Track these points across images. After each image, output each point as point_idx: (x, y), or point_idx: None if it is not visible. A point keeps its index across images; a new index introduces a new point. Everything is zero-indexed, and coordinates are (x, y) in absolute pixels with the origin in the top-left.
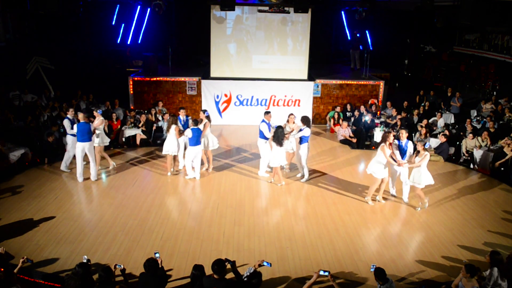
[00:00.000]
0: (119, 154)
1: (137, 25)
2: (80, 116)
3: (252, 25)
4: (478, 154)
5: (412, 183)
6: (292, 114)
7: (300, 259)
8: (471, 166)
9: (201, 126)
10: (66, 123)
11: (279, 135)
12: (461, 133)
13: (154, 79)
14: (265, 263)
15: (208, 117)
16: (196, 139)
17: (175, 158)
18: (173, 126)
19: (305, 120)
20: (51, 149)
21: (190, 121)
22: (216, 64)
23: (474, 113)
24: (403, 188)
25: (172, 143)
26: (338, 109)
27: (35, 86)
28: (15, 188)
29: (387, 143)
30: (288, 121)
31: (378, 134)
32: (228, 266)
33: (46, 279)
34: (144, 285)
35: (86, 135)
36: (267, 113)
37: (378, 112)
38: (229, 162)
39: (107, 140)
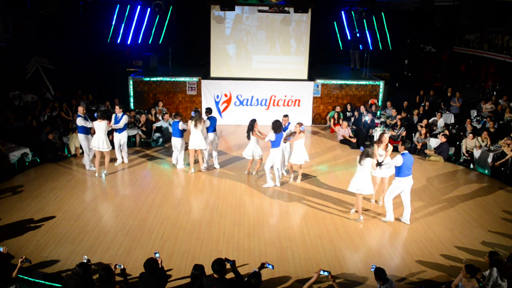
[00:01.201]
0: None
1: (137, 25)
2: (80, 109)
3: (252, 25)
4: (478, 154)
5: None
6: (299, 122)
7: (300, 259)
8: (471, 166)
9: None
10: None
11: (248, 128)
12: (461, 133)
13: (154, 79)
14: (268, 265)
15: (192, 117)
16: (173, 131)
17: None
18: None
19: (272, 124)
20: (52, 147)
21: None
22: (216, 64)
23: (474, 113)
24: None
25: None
26: (338, 109)
27: (35, 86)
28: (15, 188)
29: (382, 144)
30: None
31: (378, 134)
32: (228, 266)
33: (46, 279)
34: (144, 285)
35: (78, 127)
36: (285, 116)
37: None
38: (229, 162)
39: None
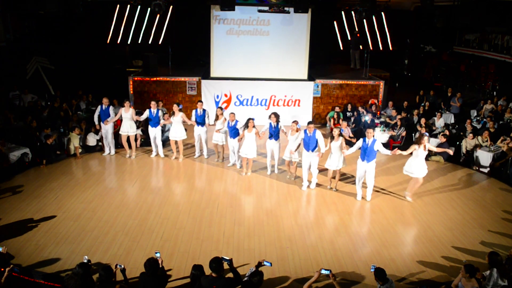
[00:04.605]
0: (119, 154)
1: (137, 25)
2: (104, 100)
3: (252, 25)
4: (478, 154)
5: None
6: (295, 121)
7: (300, 259)
8: (472, 166)
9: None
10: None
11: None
12: (461, 133)
13: (154, 79)
14: (265, 263)
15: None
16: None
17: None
18: (180, 114)
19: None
20: (49, 150)
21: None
22: (216, 64)
23: (474, 113)
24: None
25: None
26: (338, 109)
27: (35, 86)
28: (15, 188)
29: (421, 145)
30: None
31: (378, 134)
32: (226, 266)
33: (46, 279)
34: (144, 285)
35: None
36: (309, 122)
37: (378, 112)
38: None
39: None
